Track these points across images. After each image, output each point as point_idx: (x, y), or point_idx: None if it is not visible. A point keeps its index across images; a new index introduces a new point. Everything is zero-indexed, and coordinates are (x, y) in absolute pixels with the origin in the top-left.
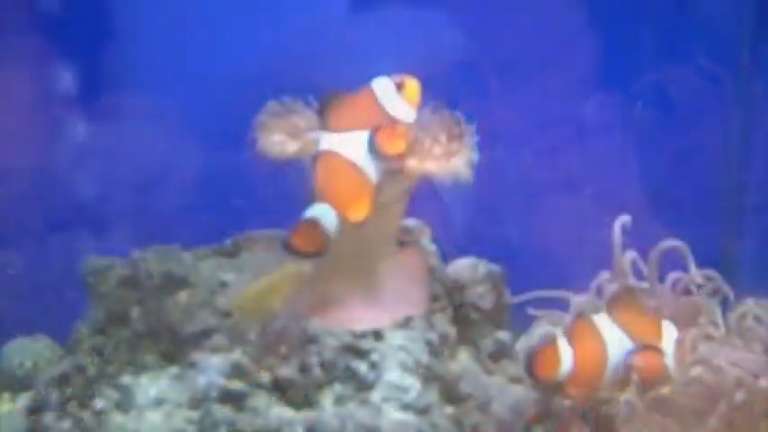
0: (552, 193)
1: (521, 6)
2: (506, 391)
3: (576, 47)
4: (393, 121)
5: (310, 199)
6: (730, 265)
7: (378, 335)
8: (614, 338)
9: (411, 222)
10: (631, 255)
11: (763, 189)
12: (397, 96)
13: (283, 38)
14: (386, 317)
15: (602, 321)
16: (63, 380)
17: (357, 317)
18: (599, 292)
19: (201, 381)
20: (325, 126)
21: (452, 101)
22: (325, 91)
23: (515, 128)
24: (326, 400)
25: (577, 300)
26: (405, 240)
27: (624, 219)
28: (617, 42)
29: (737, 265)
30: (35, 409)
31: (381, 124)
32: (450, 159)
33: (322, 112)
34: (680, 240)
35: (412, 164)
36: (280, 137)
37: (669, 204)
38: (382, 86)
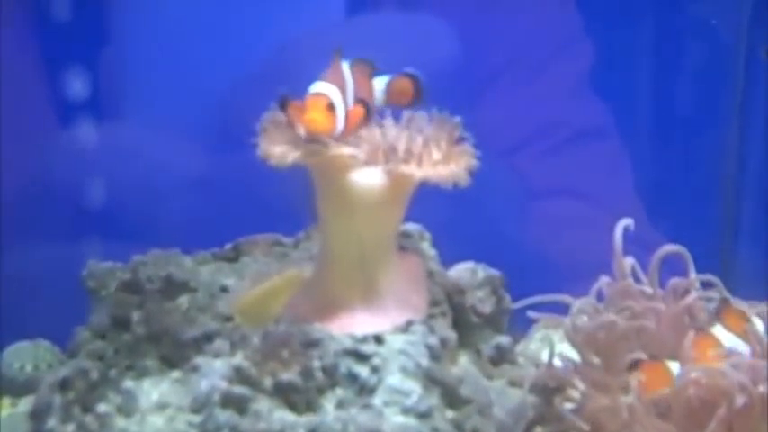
0: (551, 197)
1: (519, 9)
2: (506, 395)
3: (571, 50)
4: None
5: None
6: (727, 269)
7: (379, 339)
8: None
9: (411, 227)
10: (630, 259)
11: (760, 191)
12: None
13: (283, 40)
14: (386, 321)
15: (721, 333)
16: (65, 384)
17: (358, 321)
18: (599, 296)
19: (204, 385)
20: None
21: (451, 105)
22: None
23: (514, 132)
24: (328, 403)
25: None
26: (405, 245)
27: (626, 222)
28: (613, 44)
29: (734, 269)
30: (37, 414)
31: None
32: (449, 164)
33: None
34: (678, 244)
35: (411, 168)
36: (281, 144)
37: (667, 208)
38: None
